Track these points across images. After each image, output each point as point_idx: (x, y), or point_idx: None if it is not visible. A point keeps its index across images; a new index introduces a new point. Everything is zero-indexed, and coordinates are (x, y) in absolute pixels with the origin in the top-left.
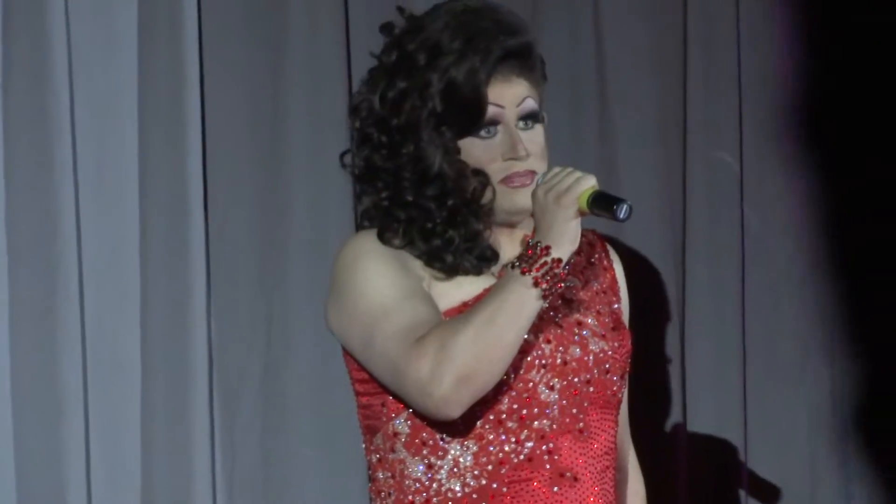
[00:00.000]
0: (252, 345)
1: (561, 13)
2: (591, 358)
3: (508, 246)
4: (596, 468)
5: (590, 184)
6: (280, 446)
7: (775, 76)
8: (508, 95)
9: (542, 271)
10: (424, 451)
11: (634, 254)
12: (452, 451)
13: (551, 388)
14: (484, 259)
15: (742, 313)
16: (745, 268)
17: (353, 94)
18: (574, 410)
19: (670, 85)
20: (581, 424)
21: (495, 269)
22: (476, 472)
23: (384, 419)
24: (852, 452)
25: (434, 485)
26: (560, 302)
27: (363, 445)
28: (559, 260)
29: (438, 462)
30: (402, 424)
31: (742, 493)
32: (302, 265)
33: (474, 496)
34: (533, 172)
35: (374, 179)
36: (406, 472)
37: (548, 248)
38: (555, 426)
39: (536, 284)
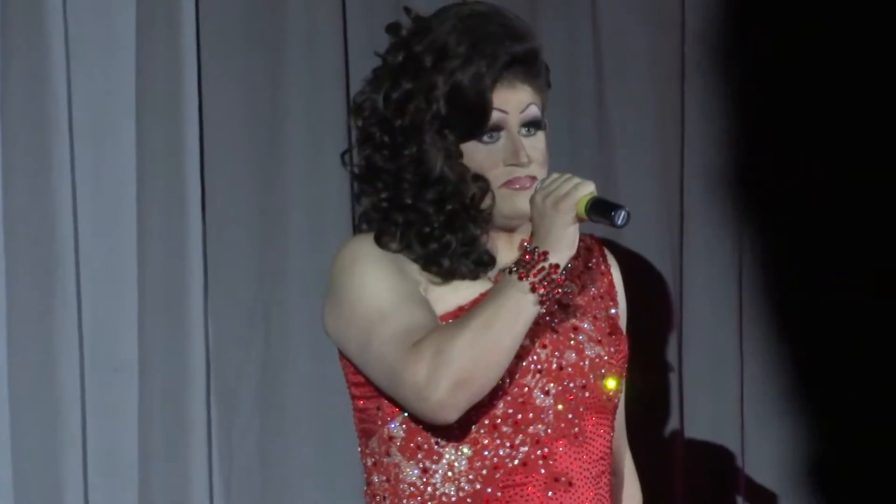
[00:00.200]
0: (250, 346)
1: (559, 14)
2: (586, 363)
3: (506, 250)
4: (591, 473)
5: (588, 190)
6: (278, 447)
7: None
8: (513, 101)
9: (540, 277)
10: (419, 455)
11: (632, 256)
12: (447, 456)
13: (547, 393)
14: (481, 264)
15: (740, 316)
16: (743, 271)
17: (355, 92)
18: (569, 415)
19: (668, 87)
20: (576, 429)
21: (492, 273)
22: (471, 477)
23: (379, 423)
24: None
25: (429, 489)
26: (556, 307)
27: (359, 449)
28: (557, 265)
29: (433, 466)
30: (397, 428)
31: (739, 498)
32: (300, 266)
33: (469, 500)
34: (534, 178)
35: (373, 180)
36: (401, 476)
37: (545, 253)
38: (550, 431)
39: (534, 290)
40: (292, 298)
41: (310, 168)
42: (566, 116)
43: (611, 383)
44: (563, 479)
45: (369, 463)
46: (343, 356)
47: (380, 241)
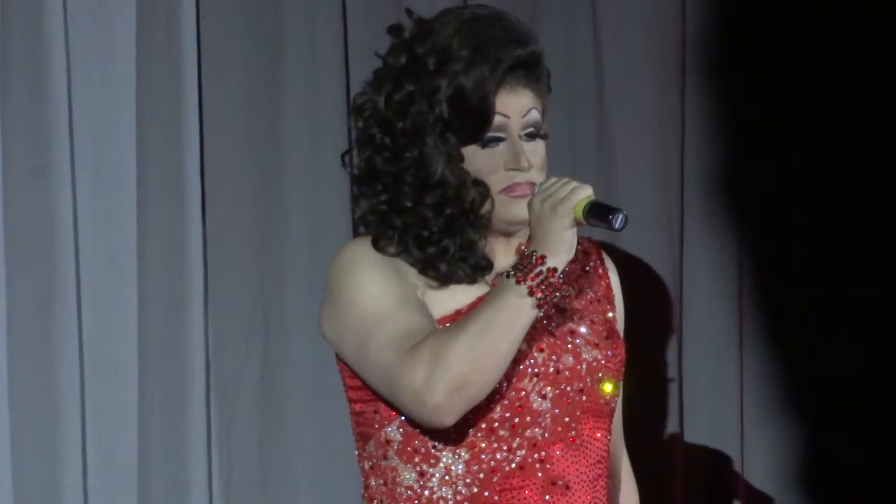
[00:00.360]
0: (249, 349)
1: (559, 15)
2: (583, 367)
3: (503, 254)
4: (588, 476)
5: (586, 194)
6: (277, 449)
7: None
8: (514, 106)
9: (538, 280)
10: (416, 459)
11: (632, 258)
12: (444, 459)
13: (544, 397)
14: (478, 268)
15: (740, 318)
16: (743, 272)
17: (356, 93)
18: (566, 419)
19: (668, 87)
20: (573, 433)
21: (489, 277)
22: (468, 480)
23: (376, 426)
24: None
25: (426, 492)
26: (553, 310)
27: (356, 452)
28: (554, 269)
29: (430, 470)
30: (394, 432)
31: (737, 503)
32: (299, 267)
33: None
34: (533, 184)
35: (373, 182)
36: (398, 480)
37: (543, 257)
38: (547, 434)
39: (531, 293)
40: (292, 300)
41: (309, 171)
42: (566, 116)
43: (608, 387)
44: (560, 482)
45: (366, 466)
46: (340, 360)
47: (377, 245)
